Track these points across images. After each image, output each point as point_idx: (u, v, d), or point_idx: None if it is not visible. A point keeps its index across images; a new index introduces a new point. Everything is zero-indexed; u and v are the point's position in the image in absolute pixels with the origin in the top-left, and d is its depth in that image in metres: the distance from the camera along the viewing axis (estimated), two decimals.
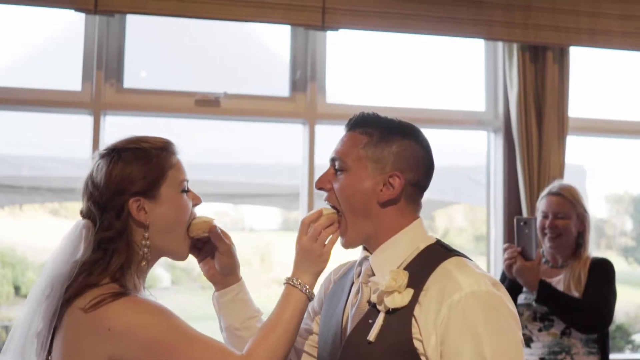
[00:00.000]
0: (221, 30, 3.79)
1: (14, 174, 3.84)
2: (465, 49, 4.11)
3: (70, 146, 3.70)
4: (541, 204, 3.06)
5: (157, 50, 3.82)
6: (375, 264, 1.55)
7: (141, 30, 3.65)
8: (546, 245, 3.02)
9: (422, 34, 3.74)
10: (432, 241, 1.57)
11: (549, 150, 3.72)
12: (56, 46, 3.80)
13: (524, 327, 2.93)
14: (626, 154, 4.55)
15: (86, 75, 3.51)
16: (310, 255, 1.56)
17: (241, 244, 5.02)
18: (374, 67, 4.10)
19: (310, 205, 3.60)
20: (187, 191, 1.61)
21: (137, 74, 3.64)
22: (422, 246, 1.55)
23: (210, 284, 1.74)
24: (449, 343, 1.39)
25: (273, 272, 5.00)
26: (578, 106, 3.92)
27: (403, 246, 1.54)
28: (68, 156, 3.73)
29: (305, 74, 3.73)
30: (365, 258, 1.59)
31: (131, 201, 1.52)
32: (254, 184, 4.15)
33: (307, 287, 1.56)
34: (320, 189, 1.60)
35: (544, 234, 3.01)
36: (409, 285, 1.45)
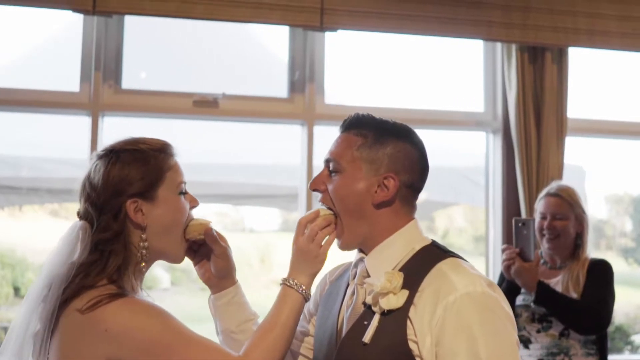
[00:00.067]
0: (219, 31, 3.79)
1: (13, 174, 3.84)
2: (463, 50, 4.11)
3: (69, 147, 3.70)
4: (539, 205, 3.06)
5: (155, 51, 3.82)
6: (371, 265, 1.55)
7: (139, 31, 3.65)
8: (544, 246, 3.02)
9: (421, 35, 3.74)
10: (428, 242, 1.57)
11: (547, 150, 3.72)
12: (54, 47, 3.80)
13: (522, 328, 2.93)
14: (625, 154, 4.55)
15: (84, 76, 3.51)
16: (307, 256, 1.56)
17: (241, 244, 5.04)
18: (373, 68, 4.10)
19: (309, 206, 3.60)
20: (184, 193, 1.61)
21: (135, 75, 3.64)
22: (418, 247, 1.54)
23: None
24: (444, 344, 1.38)
25: (273, 272, 5.00)
26: (577, 107, 3.92)
27: (398, 247, 1.54)
28: (67, 157, 3.73)
29: (304, 74, 3.73)
30: (361, 259, 1.59)
31: (129, 202, 1.52)
32: (253, 184, 4.15)
33: (304, 287, 1.56)
34: (314, 190, 1.60)
35: (542, 235, 3.01)
36: (404, 287, 1.45)
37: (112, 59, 3.55)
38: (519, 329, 2.93)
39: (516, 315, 2.92)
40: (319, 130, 3.70)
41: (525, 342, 2.93)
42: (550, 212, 2.99)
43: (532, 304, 2.88)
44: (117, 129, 3.55)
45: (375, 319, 1.46)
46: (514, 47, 3.76)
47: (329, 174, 1.58)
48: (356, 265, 1.61)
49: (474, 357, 1.37)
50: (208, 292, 1.74)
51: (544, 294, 2.80)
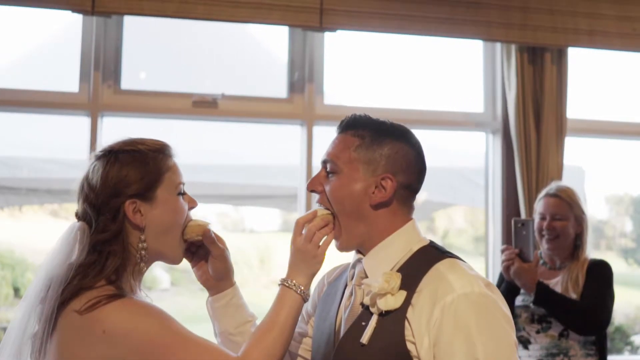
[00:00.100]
0: (219, 31, 3.79)
1: (13, 175, 3.84)
2: (463, 50, 4.11)
3: (68, 147, 3.71)
4: (539, 206, 3.05)
5: (154, 51, 3.82)
6: (368, 266, 1.55)
7: (138, 32, 3.65)
8: (544, 246, 3.02)
9: (420, 35, 3.74)
10: (426, 243, 1.56)
11: (547, 151, 3.71)
12: (53, 47, 3.80)
13: (521, 329, 2.93)
14: (625, 155, 4.55)
15: (83, 77, 3.51)
16: (305, 256, 1.56)
17: (241, 245, 5.03)
18: (372, 69, 4.10)
19: (309, 207, 3.60)
20: (183, 194, 1.61)
21: (134, 75, 3.64)
22: (415, 248, 1.54)
23: None
24: (441, 345, 1.38)
25: (273, 273, 5.00)
26: (576, 107, 3.92)
27: (396, 248, 1.54)
28: (66, 157, 3.73)
29: (303, 75, 3.73)
30: (359, 260, 1.58)
31: (127, 203, 1.52)
32: (252, 185, 4.15)
33: (302, 287, 1.56)
34: (312, 191, 1.60)
35: (541, 236, 3.01)
36: (402, 288, 1.45)
37: (112, 59, 3.55)
38: (519, 330, 2.92)
39: (515, 316, 2.92)
40: (319, 131, 3.69)
41: (524, 342, 2.93)
42: (549, 212, 2.99)
43: (531, 305, 2.87)
44: (117, 129, 3.55)
45: (373, 320, 1.46)
46: (513, 47, 3.76)
47: (326, 175, 1.58)
48: (354, 266, 1.61)
49: (472, 358, 1.36)
50: (208, 292, 1.73)
51: (543, 294, 2.79)
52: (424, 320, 1.41)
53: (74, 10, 3.29)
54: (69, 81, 3.51)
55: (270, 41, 3.95)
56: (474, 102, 4.02)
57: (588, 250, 3.00)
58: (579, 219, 2.99)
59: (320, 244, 1.57)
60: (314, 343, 1.66)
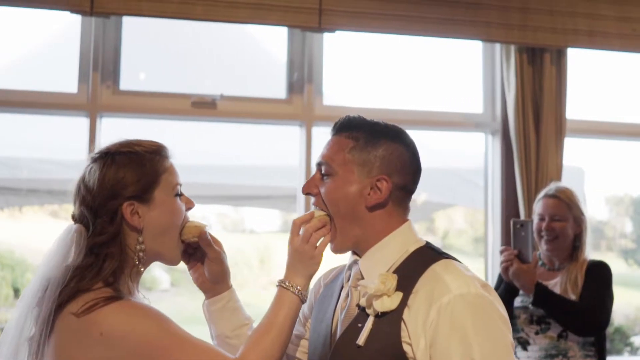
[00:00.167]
0: (217, 32, 3.79)
1: (12, 176, 3.84)
2: (462, 51, 4.11)
3: (67, 148, 3.70)
4: (537, 206, 3.05)
5: (153, 52, 3.82)
6: (365, 267, 1.54)
7: (137, 32, 3.65)
8: (543, 247, 3.02)
9: (420, 36, 3.74)
10: (422, 244, 1.56)
11: (546, 152, 3.71)
12: (52, 48, 3.80)
13: (520, 330, 2.93)
14: (625, 155, 4.55)
15: (82, 77, 3.50)
16: (302, 257, 1.55)
17: (241, 245, 5.02)
18: (371, 69, 4.10)
19: (308, 207, 3.59)
20: (180, 195, 1.61)
21: (133, 76, 3.64)
22: (412, 249, 1.54)
23: None
24: (438, 346, 1.38)
25: (273, 273, 4.99)
26: (576, 108, 3.91)
27: (392, 249, 1.53)
28: (65, 158, 3.73)
29: (302, 75, 3.73)
30: (355, 262, 1.58)
31: (125, 205, 1.52)
32: (252, 186, 4.15)
33: (300, 289, 1.55)
34: (307, 194, 1.60)
35: (540, 237, 3.00)
36: (398, 289, 1.45)
37: (110, 60, 3.55)
38: (517, 331, 2.92)
39: (514, 317, 2.92)
40: (318, 132, 3.69)
41: (523, 343, 2.92)
42: (548, 213, 2.99)
43: (530, 306, 2.87)
44: (115, 130, 3.55)
45: (370, 322, 1.46)
46: (512, 48, 3.75)
47: (321, 177, 1.58)
48: (350, 267, 1.60)
49: (468, 359, 1.36)
50: (204, 295, 1.73)
51: (542, 295, 2.79)
52: (420, 321, 1.40)
53: (72, 11, 3.29)
54: (67, 82, 3.51)
55: (269, 42, 3.96)
56: (473, 102, 4.02)
57: (587, 251, 3.00)
58: (578, 220, 2.99)
59: (318, 245, 1.56)
60: (310, 345, 1.66)
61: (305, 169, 3.64)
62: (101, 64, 3.52)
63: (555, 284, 2.93)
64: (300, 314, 1.75)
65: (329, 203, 1.55)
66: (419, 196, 4.01)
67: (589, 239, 3.03)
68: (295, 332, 1.71)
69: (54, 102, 3.49)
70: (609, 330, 4.12)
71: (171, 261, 1.62)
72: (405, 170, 1.56)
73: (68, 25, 3.60)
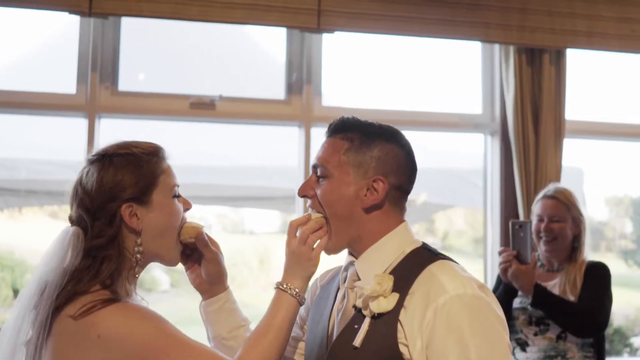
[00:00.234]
0: (216, 32, 3.79)
1: (11, 177, 3.84)
2: (461, 52, 4.11)
3: (66, 149, 3.70)
4: (536, 207, 3.05)
5: (152, 52, 3.82)
6: (361, 268, 1.54)
7: (136, 33, 3.64)
8: (542, 248, 3.01)
9: (419, 37, 3.74)
10: (418, 245, 1.56)
11: (545, 152, 3.71)
12: (51, 49, 3.80)
13: (519, 331, 2.92)
14: (625, 156, 4.55)
15: (81, 78, 3.50)
16: (300, 259, 1.55)
17: (241, 246, 5.02)
18: (370, 70, 4.09)
19: (307, 208, 3.59)
20: (178, 196, 1.61)
21: (132, 77, 3.63)
22: (408, 250, 1.54)
23: None
24: (434, 347, 1.38)
25: (272, 274, 4.99)
26: (575, 109, 3.91)
27: (388, 250, 1.53)
28: (64, 159, 3.73)
29: (301, 76, 3.72)
30: (351, 263, 1.58)
31: (124, 207, 1.51)
32: (251, 186, 4.15)
33: (297, 291, 1.55)
34: (303, 196, 1.60)
35: (539, 238, 3.00)
36: (394, 290, 1.45)
37: (109, 60, 3.55)
38: (516, 332, 2.92)
39: (513, 318, 2.92)
40: (317, 132, 3.69)
41: (522, 345, 2.92)
42: (547, 214, 2.98)
43: (529, 307, 2.87)
44: (114, 131, 3.54)
45: (366, 323, 1.45)
46: (511, 48, 3.75)
47: (317, 180, 1.58)
48: (346, 268, 1.60)
49: (464, 359, 1.36)
50: (201, 296, 1.73)
51: (540, 296, 2.78)
52: (416, 322, 1.40)
53: (71, 12, 3.28)
54: (66, 83, 3.51)
55: (268, 42, 3.95)
56: (472, 103, 4.02)
57: (586, 252, 2.99)
58: (577, 221, 2.98)
59: (315, 246, 1.56)
60: (307, 346, 1.66)
61: (304, 170, 3.64)
62: (100, 65, 3.51)
63: (554, 285, 2.92)
64: (297, 317, 1.75)
65: (326, 205, 1.55)
66: (419, 197, 4.01)
67: (588, 239, 3.03)
68: (292, 334, 1.71)
69: (52, 103, 3.49)
70: (609, 331, 4.12)
71: (170, 262, 1.63)
72: (401, 170, 1.56)
73: (66, 26, 3.60)
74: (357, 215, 1.53)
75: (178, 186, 1.61)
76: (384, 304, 1.43)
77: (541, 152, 3.71)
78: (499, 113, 3.89)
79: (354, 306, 1.51)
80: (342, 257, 1.63)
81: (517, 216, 3.68)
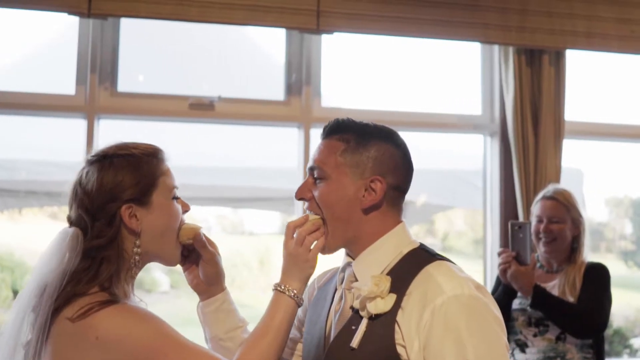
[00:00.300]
0: (216, 33, 3.78)
1: (11, 178, 3.84)
2: (461, 52, 4.10)
3: (65, 150, 3.70)
4: (536, 208, 3.04)
5: (151, 53, 3.82)
6: (358, 269, 1.54)
7: (135, 34, 3.64)
8: (541, 249, 3.01)
9: (418, 37, 3.74)
10: (416, 245, 1.55)
11: (545, 153, 3.71)
12: (50, 50, 3.80)
13: (518, 332, 2.92)
14: (625, 157, 4.54)
15: (80, 79, 3.50)
16: (297, 260, 1.55)
17: (241, 247, 5.02)
18: (370, 71, 4.09)
19: (305, 210, 3.59)
20: (176, 198, 1.61)
21: (131, 78, 3.63)
22: (405, 251, 1.53)
23: None
24: (431, 348, 1.38)
25: (272, 275, 4.99)
26: (574, 109, 3.91)
27: (386, 251, 1.53)
28: (63, 160, 3.73)
29: (301, 77, 3.72)
30: (349, 264, 1.58)
31: (123, 208, 1.51)
32: (251, 187, 4.15)
33: (295, 292, 1.55)
34: (300, 199, 1.60)
35: (538, 239, 3.00)
36: (391, 291, 1.44)
37: (108, 61, 3.55)
38: (516, 333, 2.92)
39: (512, 319, 2.91)
40: (316, 133, 3.68)
41: (521, 346, 2.92)
42: (546, 215, 2.98)
43: (528, 308, 2.87)
44: (113, 131, 3.55)
45: (363, 324, 1.45)
46: (511, 49, 3.75)
47: (314, 182, 1.57)
48: (344, 269, 1.60)
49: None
50: (198, 297, 1.73)
51: (540, 297, 2.78)
52: (413, 323, 1.40)
53: (70, 13, 3.28)
54: (65, 84, 3.51)
55: (268, 43, 3.96)
56: (471, 104, 4.01)
57: (585, 253, 2.99)
58: (576, 222, 2.98)
59: (312, 248, 1.56)
60: (304, 347, 1.66)
61: (304, 171, 3.63)
62: (99, 66, 3.51)
63: (553, 286, 2.92)
64: (295, 318, 1.75)
65: (324, 206, 1.54)
66: (418, 198, 4.01)
67: (587, 240, 3.02)
68: (290, 335, 1.71)
69: (51, 104, 3.49)
70: (608, 332, 4.11)
71: (170, 262, 1.63)
72: (398, 170, 1.56)
73: (66, 27, 3.60)
74: (356, 217, 1.53)
75: (177, 188, 1.61)
76: (382, 305, 1.43)
77: (541, 153, 3.71)
78: (498, 114, 3.89)
79: (352, 307, 1.50)
80: (339, 258, 1.63)
81: (516, 217, 3.68)
